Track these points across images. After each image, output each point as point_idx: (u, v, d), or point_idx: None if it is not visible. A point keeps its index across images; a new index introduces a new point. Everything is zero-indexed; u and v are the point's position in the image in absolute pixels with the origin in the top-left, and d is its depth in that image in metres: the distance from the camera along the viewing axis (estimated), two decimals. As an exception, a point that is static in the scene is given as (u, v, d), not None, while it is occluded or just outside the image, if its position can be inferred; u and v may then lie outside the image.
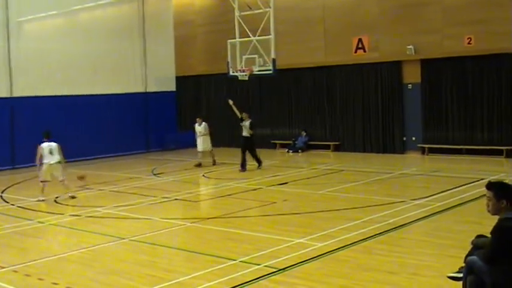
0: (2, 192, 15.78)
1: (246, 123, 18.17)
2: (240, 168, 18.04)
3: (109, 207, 13.21)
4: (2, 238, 10.77)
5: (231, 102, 19.02)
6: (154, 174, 18.36)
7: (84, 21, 23.54)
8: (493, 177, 5.35)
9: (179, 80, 26.95)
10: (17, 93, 21.18)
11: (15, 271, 8.59)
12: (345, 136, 22.71)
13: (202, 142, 19.82)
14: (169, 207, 13.54)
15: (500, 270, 5.37)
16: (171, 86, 26.63)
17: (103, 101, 23.48)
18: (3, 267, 8.77)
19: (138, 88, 25.12)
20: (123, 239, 10.28)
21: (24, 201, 14.38)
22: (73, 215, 12.53)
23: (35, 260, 9.17)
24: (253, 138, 18.31)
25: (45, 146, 14.34)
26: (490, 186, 5.75)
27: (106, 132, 23.38)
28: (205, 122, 20.03)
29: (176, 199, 14.19)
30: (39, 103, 21.44)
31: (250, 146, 18.27)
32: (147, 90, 25.42)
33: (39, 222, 11.98)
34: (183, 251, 9.56)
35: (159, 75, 26.05)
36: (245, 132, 18.19)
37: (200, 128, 19.90)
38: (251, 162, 18.36)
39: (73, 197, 14.38)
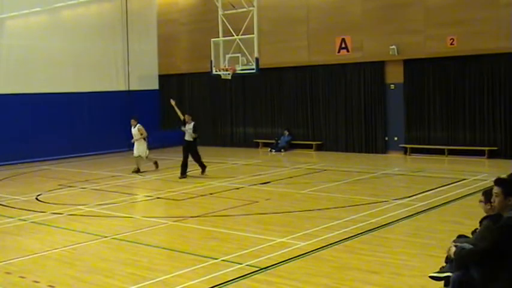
0: (-18, 190, 15.61)
1: (189, 126, 16.91)
2: (180, 175, 16.72)
3: (91, 205, 13.12)
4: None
5: (173, 102, 18.28)
6: (137, 173, 18.24)
7: (67, 19, 23.36)
8: (503, 175, 5.33)
9: (162, 78, 26.84)
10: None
11: (8, 273, 8.49)
12: (327, 136, 22.80)
13: (137, 147, 18.20)
14: (151, 205, 13.49)
15: (489, 268, 5.36)
16: (154, 85, 26.50)
17: (86, 99, 23.32)
18: (-17, 266, 8.67)
19: (121, 86, 24.97)
20: (105, 237, 10.21)
21: (5, 198, 14.22)
22: (55, 213, 12.42)
23: (16, 258, 9.08)
24: (196, 143, 17.07)
25: None
26: (499, 182, 5.57)
27: (88, 130, 23.22)
28: (139, 123, 18.32)
29: (158, 197, 14.14)
30: (21, 100, 21.22)
31: (193, 151, 16.96)
32: (130, 89, 25.27)
33: (21, 220, 11.86)
34: (164, 249, 9.52)
35: (142, 74, 25.92)
36: (187, 136, 16.93)
37: (134, 131, 18.26)
38: (192, 168, 17.79)
39: None
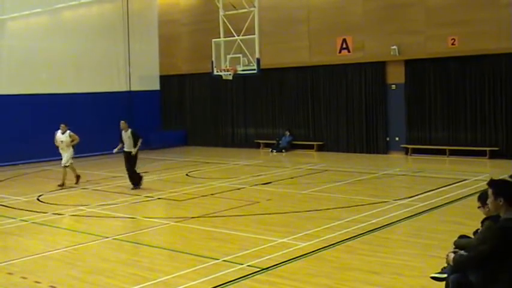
0: (-16, 191, 15.62)
1: (127, 134, 15.44)
2: (133, 186, 15.38)
3: (92, 206, 13.14)
4: (-17, 237, 10.66)
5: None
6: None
7: (68, 20, 23.40)
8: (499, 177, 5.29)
9: (163, 78, 26.87)
10: (0, 91, 20.96)
11: (10, 273, 8.51)
12: (328, 136, 22.80)
13: (63, 155, 16.22)
14: (152, 206, 13.50)
15: (490, 270, 5.37)
16: (155, 85, 26.52)
17: (87, 100, 23.34)
18: (-14, 266, 8.68)
19: (122, 87, 24.98)
20: (107, 237, 10.22)
21: (7, 199, 14.24)
22: (56, 214, 12.44)
23: (18, 259, 9.10)
24: (136, 154, 15.40)
25: None
26: (490, 183, 5.60)
27: (89, 131, 23.20)
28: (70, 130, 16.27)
29: (159, 198, 14.15)
30: (22, 101, 21.26)
31: (132, 161, 15.46)
32: (131, 89, 25.29)
33: (22, 220, 11.88)
34: (166, 250, 9.53)
35: (143, 74, 25.94)
36: (126, 147, 15.44)
37: (62, 137, 16.09)
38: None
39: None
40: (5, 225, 11.58)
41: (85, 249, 9.69)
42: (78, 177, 16.27)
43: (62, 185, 15.81)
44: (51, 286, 7.74)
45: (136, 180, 15.45)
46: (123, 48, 24.92)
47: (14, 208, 13.16)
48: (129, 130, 15.46)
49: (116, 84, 24.81)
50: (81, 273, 8.29)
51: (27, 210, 12.81)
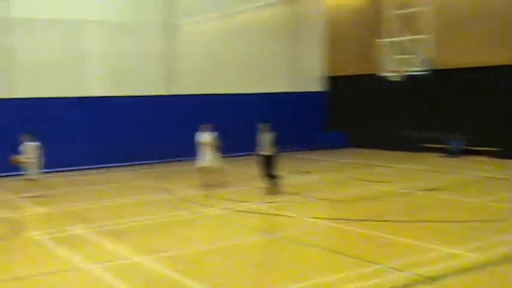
0: (170, 183, 16.82)
1: (267, 135, 15.07)
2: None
3: (257, 202, 13.56)
4: (159, 226, 11.50)
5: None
6: (300, 173, 18.50)
7: (240, 23, 24.39)
8: None
9: (328, 80, 26.94)
10: (176, 91, 22.46)
11: (171, 257, 9.12)
12: (507, 142, 21.03)
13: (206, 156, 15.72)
14: (313, 206, 13.58)
15: None
16: (321, 86, 26.69)
17: (253, 100, 24.12)
18: (161, 253, 9.35)
19: (287, 88, 25.46)
20: (270, 234, 10.48)
21: (180, 192, 15.20)
22: (224, 209, 13.02)
23: (189, 248, 9.67)
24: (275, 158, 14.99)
25: None
26: None
27: (253, 130, 23.93)
28: None
29: (321, 199, 14.20)
30: (197, 101, 22.60)
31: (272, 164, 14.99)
32: (297, 90, 25.69)
33: (193, 213, 12.62)
34: (327, 250, 9.53)
35: (308, 76, 26.24)
36: (264, 149, 15.05)
37: (207, 137, 15.66)
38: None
39: None
40: (178, 216, 12.39)
41: (249, 244, 10.02)
42: (223, 181, 15.75)
43: (211, 185, 15.47)
44: (217, 277, 8.12)
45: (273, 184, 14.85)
46: (290, 50, 25.41)
47: (186, 201, 14.02)
48: (270, 133, 15.04)
49: (281, 85, 25.34)
50: (246, 267, 8.58)
51: (198, 204, 13.57)
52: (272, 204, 13.42)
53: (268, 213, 12.47)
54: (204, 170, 15.59)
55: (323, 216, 12.60)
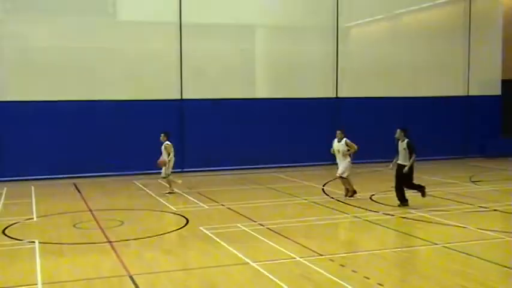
0: (324, 186, 16.92)
1: (402, 143, 13.60)
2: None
3: (422, 210, 13.06)
4: (321, 228, 11.57)
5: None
6: (473, 182, 17.49)
7: (407, 24, 23.73)
8: None
9: (506, 83, 25.09)
10: (342, 93, 22.46)
11: (332, 260, 9.13)
12: None
13: (340, 165, 14.72)
14: (486, 217, 12.72)
15: None
16: (496, 90, 24.96)
17: (424, 104, 23.33)
18: (322, 255, 9.40)
19: (459, 91, 24.24)
20: (435, 244, 10.04)
21: (340, 195, 15.16)
22: (387, 214, 12.74)
23: (350, 253, 9.61)
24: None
25: None
26: None
27: (420, 135, 23.10)
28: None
29: (495, 210, 13.27)
30: (360, 104, 22.46)
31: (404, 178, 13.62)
32: (469, 94, 24.34)
33: (355, 217, 12.51)
34: (498, 265, 8.87)
35: (483, 78, 24.70)
36: (401, 159, 13.75)
37: (338, 145, 14.66)
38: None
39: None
40: (340, 219, 12.37)
41: (413, 252, 9.69)
42: (352, 191, 14.73)
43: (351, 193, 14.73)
44: (378, 284, 7.94)
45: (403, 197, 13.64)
46: (462, 51, 24.14)
47: (347, 204, 13.94)
48: (405, 141, 13.48)
49: (453, 88, 24.21)
50: (408, 276, 8.32)
51: (360, 208, 13.43)
52: (438, 212, 12.83)
53: (433, 222, 11.94)
54: (340, 178, 14.76)
55: (495, 228, 11.74)
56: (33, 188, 16.18)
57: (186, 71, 20.48)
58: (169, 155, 15.50)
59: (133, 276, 8.40)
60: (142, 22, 20.06)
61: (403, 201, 13.63)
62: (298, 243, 10.25)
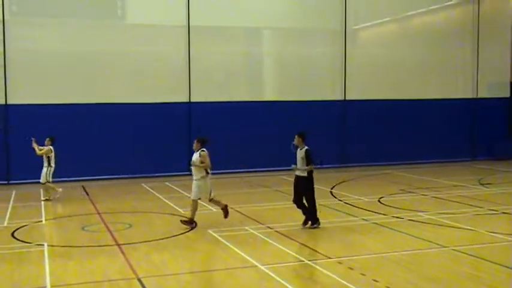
0: (332, 189, 16.88)
1: (301, 151, 11.62)
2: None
3: (431, 213, 13.00)
4: (329, 231, 11.53)
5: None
6: (481, 184, 17.40)
7: (415, 27, 23.67)
8: None
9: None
10: (350, 96, 22.42)
11: (340, 263, 9.11)
12: None
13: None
14: (495, 220, 12.65)
15: None
16: (505, 92, 24.83)
17: (432, 106, 23.27)
18: (330, 258, 9.37)
19: (467, 94, 24.12)
20: (445, 247, 9.99)
21: (351, 198, 15.13)
22: (395, 217, 12.69)
23: (358, 255, 9.57)
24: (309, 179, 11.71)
25: None
26: None
27: (428, 137, 23.08)
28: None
29: (504, 212, 13.19)
30: (367, 106, 22.40)
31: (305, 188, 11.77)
32: (478, 96, 24.22)
33: (364, 219, 12.47)
34: (509, 268, 8.81)
35: (491, 81, 24.58)
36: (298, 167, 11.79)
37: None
38: None
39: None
40: (349, 222, 12.33)
41: (422, 255, 9.63)
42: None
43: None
44: (387, 287, 7.91)
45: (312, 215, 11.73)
46: (471, 53, 24.04)
47: (356, 207, 13.90)
48: (304, 148, 11.59)
49: (461, 90, 24.11)
50: (417, 279, 8.26)
51: (368, 211, 13.39)
52: (447, 215, 12.76)
53: (442, 225, 11.88)
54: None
55: (505, 231, 11.66)
56: (41, 190, 16.22)
57: (194, 74, 20.51)
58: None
59: (142, 279, 8.40)
60: (151, 25, 20.10)
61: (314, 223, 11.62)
62: (306, 246, 10.22)
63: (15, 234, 11.42)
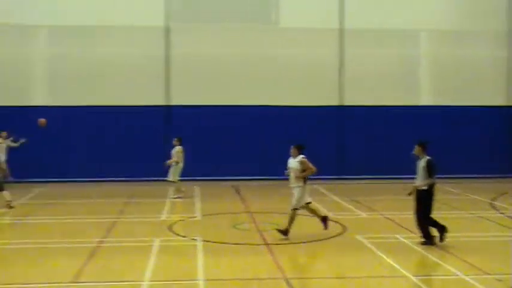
0: (493, 200, 15.76)
1: (421, 161, 10.64)
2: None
3: None
4: (488, 245, 10.74)
5: None
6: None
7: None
8: None
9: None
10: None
11: (499, 280, 8.42)
12: None
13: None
14: None
15: None
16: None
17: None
18: (488, 274, 8.69)
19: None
20: None
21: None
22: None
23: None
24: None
25: None
26: None
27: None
28: None
29: None
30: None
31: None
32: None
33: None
34: None
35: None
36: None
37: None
38: None
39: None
40: (500, 237, 11.41)
41: None
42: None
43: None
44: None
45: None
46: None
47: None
48: (425, 158, 10.60)
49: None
50: None
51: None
52: None
53: None
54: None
55: None
56: (196, 188, 17.00)
57: (345, 77, 20.31)
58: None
59: (289, 280, 8.43)
60: (304, 28, 20.23)
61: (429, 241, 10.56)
62: (463, 259, 9.60)
63: (173, 228, 12.06)
